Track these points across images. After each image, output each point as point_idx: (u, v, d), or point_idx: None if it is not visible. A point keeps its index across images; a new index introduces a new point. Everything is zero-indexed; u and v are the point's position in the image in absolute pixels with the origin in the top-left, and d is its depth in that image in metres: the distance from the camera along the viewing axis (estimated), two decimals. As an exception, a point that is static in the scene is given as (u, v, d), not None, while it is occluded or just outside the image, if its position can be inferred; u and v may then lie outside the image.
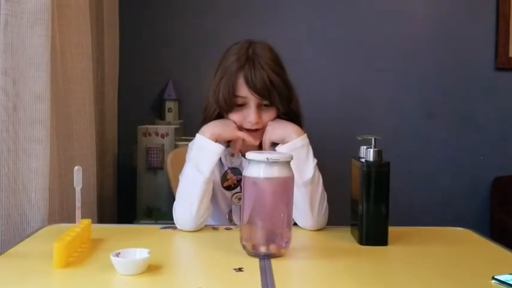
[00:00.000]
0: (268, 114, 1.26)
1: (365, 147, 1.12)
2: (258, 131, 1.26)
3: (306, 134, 1.23)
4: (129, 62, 2.36)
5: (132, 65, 2.37)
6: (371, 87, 2.43)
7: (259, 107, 1.25)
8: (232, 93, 1.23)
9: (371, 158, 1.09)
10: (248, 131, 1.26)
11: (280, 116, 1.27)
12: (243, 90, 1.22)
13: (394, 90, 2.43)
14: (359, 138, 1.12)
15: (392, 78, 2.43)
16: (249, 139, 1.25)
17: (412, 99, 2.43)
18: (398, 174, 2.19)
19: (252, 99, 1.23)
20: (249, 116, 1.24)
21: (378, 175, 1.09)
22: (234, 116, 1.25)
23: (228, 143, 1.32)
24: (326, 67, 2.42)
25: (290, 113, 1.28)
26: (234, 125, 1.25)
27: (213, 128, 1.24)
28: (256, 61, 1.22)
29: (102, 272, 0.90)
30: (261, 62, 1.21)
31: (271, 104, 1.25)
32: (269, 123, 1.26)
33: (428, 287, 0.88)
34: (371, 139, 1.10)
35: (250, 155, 0.99)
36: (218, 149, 1.21)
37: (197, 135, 1.24)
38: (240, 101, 1.24)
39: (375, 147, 1.10)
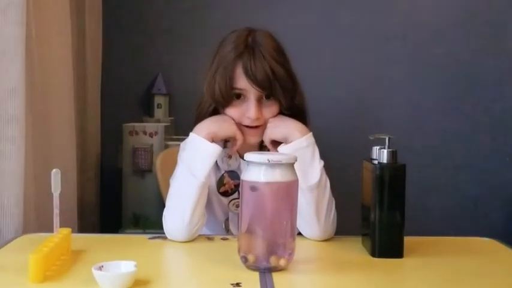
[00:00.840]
0: (270, 110, 1.26)
1: (378, 147, 1.12)
2: (258, 128, 1.26)
3: (311, 133, 1.23)
4: (114, 52, 2.35)
5: (117, 55, 2.37)
6: (385, 81, 2.43)
7: (260, 101, 1.25)
8: (230, 85, 1.22)
9: (384, 159, 1.09)
10: (247, 128, 1.26)
11: (282, 112, 1.27)
12: (242, 82, 1.22)
13: (410, 84, 2.43)
14: (371, 138, 1.12)
15: (409, 71, 2.42)
16: (240, 142, 1.25)
17: (431, 94, 2.43)
18: (415, 177, 2.19)
19: (252, 92, 1.23)
20: (248, 110, 1.24)
21: (392, 178, 1.09)
22: (232, 111, 1.25)
23: (225, 143, 1.31)
24: (335, 58, 2.42)
25: (294, 109, 1.28)
26: (232, 121, 1.25)
27: (209, 126, 1.23)
28: (256, 49, 1.21)
29: (84, 287, 0.90)
30: (262, 51, 1.21)
31: (273, 98, 1.24)
32: (270, 119, 1.25)
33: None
34: (385, 139, 1.10)
35: (249, 156, 0.99)
36: (215, 150, 1.21)
37: (191, 134, 1.24)
38: (238, 93, 1.24)
39: (389, 147, 1.10)
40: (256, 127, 1.26)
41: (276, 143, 1.25)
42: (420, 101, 2.44)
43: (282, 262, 1.00)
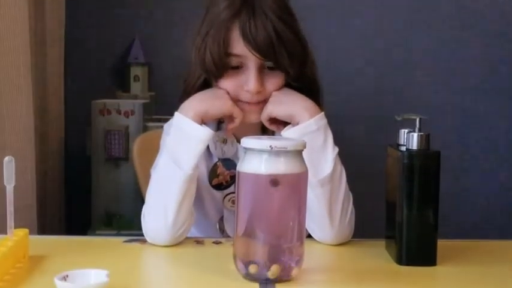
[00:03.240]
0: (274, 81, 1.25)
1: (406, 130, 1.11)
2: (260, 104, 1.26)
3: (323, 113, 1.23)
4: (80, 11, 2.34)
5: (85, 16, 2.36)
6: (416, 49, 2.42)
7: (261, 71, 1.24)
8: (224, 51, 1.22)
9: (414, 145, 1.09)
10: (246, 104, 1.26)
11: (290, 85, 1.27)
12: (239, 47, 1.22)
13: (447, 53, 2.42)
14: (398, 119, 1.12)
15: (446, 37, 2.42)
16: (238, 121, 1.24)
17: (472, 66, 2.43)
18: (451, 167, 2.19)
19: (252, 59, 1.22)
20: (247, 83, 1.23)
21: (423, 169, 1.09)
22: (227, 84, 1.25)
23: (218, 125, 1.31)
24: (355, 19, 2.40)
25: (304, 81, 1.28)
26: (227, 95, 1.25)
27: (198, 103, 1.23)
28: (256, 5, 1.21)
29: (44, 301, 0.90)
30: (263, 8, 1.21)
31: (277, 67, 1.24)
32: (273, 93, 1.25)
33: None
34: (415, 119, 1.10)
35: (246, 141, 0.99)
36: (205, 134, 1.20)
37: (176, 114, 1.23)
38: (234, 61, 1.23)
39: (419, 130, 1.10)
40: (256, 104, 1.26)
41: (277, 123, 1.25)
42: (458, 74, 2.43)
43: (288, 271, 1.00)
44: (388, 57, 2.42)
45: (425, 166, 1.09)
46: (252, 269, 0.99)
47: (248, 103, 1.26)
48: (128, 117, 2.12)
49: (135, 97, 2.28)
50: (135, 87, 2.32)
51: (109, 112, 2.12)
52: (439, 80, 2.43)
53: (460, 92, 2.43)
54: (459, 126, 2.43)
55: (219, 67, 1.23)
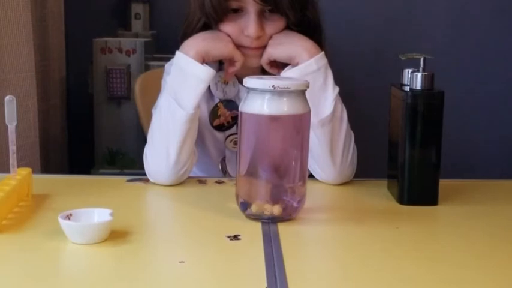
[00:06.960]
0: (274, 25, 1.24)
1: (410, 70, 1.11)
2: (260, 49, 1.25)
3: (322, 53, 1.22)
4: None
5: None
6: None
7: (262, 15, 1.23)
8: (222, -4, 1.20)
9: (418, 85, 1.08)
10: (247, 48, 1.24)
11: (290, 28, 1.25)
12: (237, -11, 1.20)
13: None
14: (402, 58, 1.11)
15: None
16: (239, 64, 1.23)
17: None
18: (455, 107, 2.19)
19: (251, 3, 1.21)
20: (247, 27, 1.22)
21: (427, 108, 1.08)
22: (227, 28, 1.24)
23: (220, 65, 1.30)
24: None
25: (305, 24, 1.26)
26: (229, 38, 1.24)
27: (199, 42, 1.22)
28: None
29: (48, 239, 0.91)
30: (261, -51, 1.18)
31: (277, 11, 1.22)
32: (273, 36, 1.24)
33: (493, 260, 0.89)
34: (419, 59, 1.09)
35: (249, 81, 0.99)
36: (207, 74, 1.20)
37: (177, 53, 1.23)
38: (233, 4, 1.22)
39: (424, 70, 1.09)
40: (257, 48, 1.24)
41: (278, 66, 1.25)
42: (465, 11, 2.40)
43: (290, 210, 1.01)
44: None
45: (429, 106, 1.09)
46: (254, 207, 1.00)
47: (249, 48, 1.25)
48: (129, 55, 2.11)
49: (136, 35, 2.26)
50: (136, 25, 2.30)
51: (110, 50, 2.11)
52: (444, 18, 2.40)
53: (469, 27, 2.40)
54: (468, 62, 2.41)
55: (218, 11, 1.22)
